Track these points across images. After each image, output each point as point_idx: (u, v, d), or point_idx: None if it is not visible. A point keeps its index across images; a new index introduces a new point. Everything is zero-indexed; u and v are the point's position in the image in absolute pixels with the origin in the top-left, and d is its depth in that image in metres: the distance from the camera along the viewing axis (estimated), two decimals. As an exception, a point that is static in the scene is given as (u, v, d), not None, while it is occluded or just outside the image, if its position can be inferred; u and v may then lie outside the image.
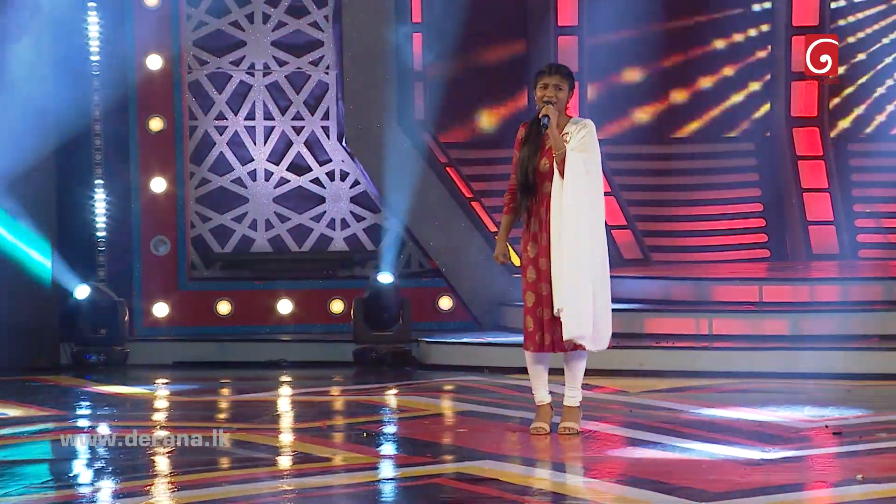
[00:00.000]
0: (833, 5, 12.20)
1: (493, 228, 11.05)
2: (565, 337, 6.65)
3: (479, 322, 10.70)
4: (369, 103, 10.71)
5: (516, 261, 7.18)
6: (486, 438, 6.96)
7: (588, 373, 8.99)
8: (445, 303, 10.83)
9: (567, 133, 6.69)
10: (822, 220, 12.16)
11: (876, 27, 12.18)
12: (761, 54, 12.29)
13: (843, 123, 12.36)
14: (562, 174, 6.60)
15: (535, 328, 6.74)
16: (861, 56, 12.29)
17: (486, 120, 11.87)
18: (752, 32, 12.31)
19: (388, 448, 6.71)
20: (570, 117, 6.78)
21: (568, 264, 6.58)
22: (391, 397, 8.66)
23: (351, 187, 11.13)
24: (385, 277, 10.31)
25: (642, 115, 12.22)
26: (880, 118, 12.32)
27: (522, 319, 6.85)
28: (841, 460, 6.28)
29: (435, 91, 11.46)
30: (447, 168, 11.16)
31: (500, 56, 11.86)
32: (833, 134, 12.28)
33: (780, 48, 12.19)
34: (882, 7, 12.20)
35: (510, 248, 7.10)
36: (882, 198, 12.11)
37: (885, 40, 12.12)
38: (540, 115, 6.70)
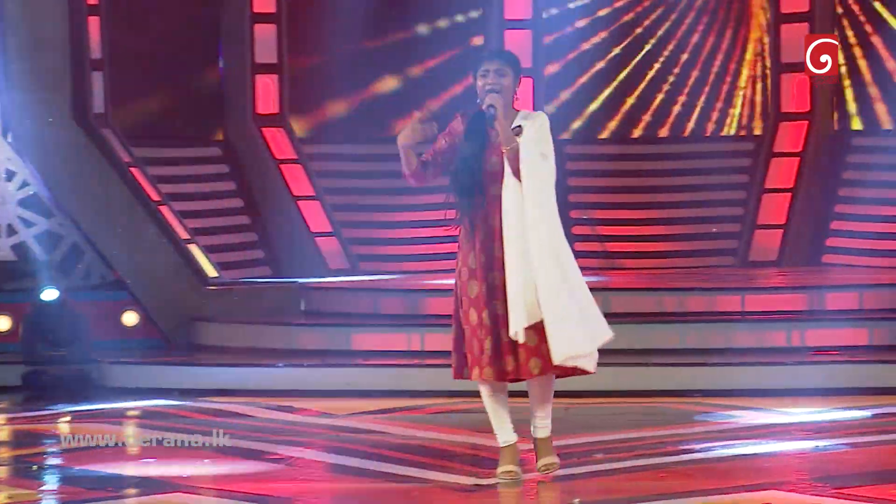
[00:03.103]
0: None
1: (184, 235, 10.89)
2: (557, 361, 6.05)
3: (169, 339, 10.51)
4: (39, 95, 10.39)
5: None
6: (175, 469, 6.80)
7: (290, 394, 8.86)
8: (130, 318, 10.60)
9: (518, 126, 6.17)
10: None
11: (580, 23, 12.52)
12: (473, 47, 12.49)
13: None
14: (514, 172, 6.09)
15: (491, 353, 6.14)
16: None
17: (173, 111, 11.68)
18: (464, 26, 12.52)
19: (60, 483, 6.47)
20: (518, 111, 6.27)
21: (543, 277, 6.04)
22: (65, 425, 8.40)
23: (19, 189, 10.77)
24: (52, 291, 10.04)
25: (345, 111, 12.26)
26: (578, 119, 12.67)
27: (464, 343, 6.20)
28: (558, 483, 6.40)
29: (115, 80, 11.19)
30: (131, 168, 10.91)
31: (188, 38, 11.69)
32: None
33: (494, 43, 12.40)
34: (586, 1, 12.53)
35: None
36: (598, 204, 12.51)
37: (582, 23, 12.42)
38: (484, 106, 6.14)
